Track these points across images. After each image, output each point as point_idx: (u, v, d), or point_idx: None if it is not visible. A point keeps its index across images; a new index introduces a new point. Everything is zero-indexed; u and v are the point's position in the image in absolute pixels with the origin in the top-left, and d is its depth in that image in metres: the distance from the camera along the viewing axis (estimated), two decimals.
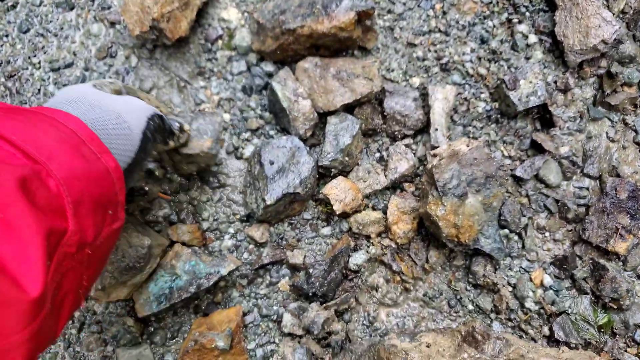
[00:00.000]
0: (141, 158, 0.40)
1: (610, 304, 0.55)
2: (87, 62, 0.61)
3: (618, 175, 0.60)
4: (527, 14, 0.64)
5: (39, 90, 0.61)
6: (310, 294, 0.52)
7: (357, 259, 0.54)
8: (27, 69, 0.61)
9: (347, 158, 0.56)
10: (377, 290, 0.55)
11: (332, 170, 0.56)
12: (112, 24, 0.63)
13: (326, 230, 0.56)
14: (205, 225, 0.56)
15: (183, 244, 0.54)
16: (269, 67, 0.60)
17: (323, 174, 0.57)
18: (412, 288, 0.55)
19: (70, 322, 0.57)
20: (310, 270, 0.53)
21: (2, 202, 0.25)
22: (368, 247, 0.55)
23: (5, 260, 0.24)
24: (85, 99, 0.38)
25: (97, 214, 0.31)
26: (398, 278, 0.55)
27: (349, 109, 0.58)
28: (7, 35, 0.62)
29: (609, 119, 0.63)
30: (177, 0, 0.57)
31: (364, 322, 0.53)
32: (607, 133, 0.62)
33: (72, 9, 0.63)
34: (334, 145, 0.55)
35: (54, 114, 0.33)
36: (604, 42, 0.60)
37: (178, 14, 0.57)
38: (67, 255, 0.28)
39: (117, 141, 0.37)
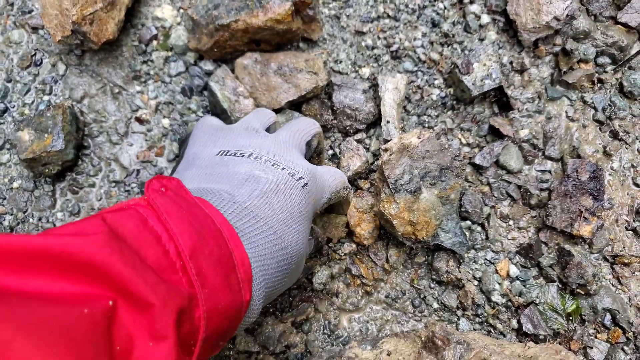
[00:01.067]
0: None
1: (577, 290, 0.53)
2: (9, 73, 0.56)
3: (579, 156, 0.59)
4: None
5: None
6: (263, 309, 0.49)
7: (320, 277, 0.51)
8: None
9: None
10: (337, 296, 0.52)
11: None
12: (35, 30, 0.58)
13: None
14: None
15: None
16: (208, 66, 0.56)
17: None
18: (373, 290, 0.52)
19: None
20: None
21: (158, 332, 0.23)
22: (329, 255, 0.52)
23: None
24: (266, 190, 0.34)
25: (212, 349, 0.29)
26: (358, 281, 0.52)
27: (295, 105, 0.55)
28: None
29: (568, 98, 0.61)
30: (100, 1, 0.52)
31: (325, 331, 0.51)
32: (566, 112, 0.60)
33: None
34: None
35: (222, 224, 0.30)
36: (556, 18, 0.58)
37: (103, 15, 0.53)
38: None
39: (272, 271, 0.33)
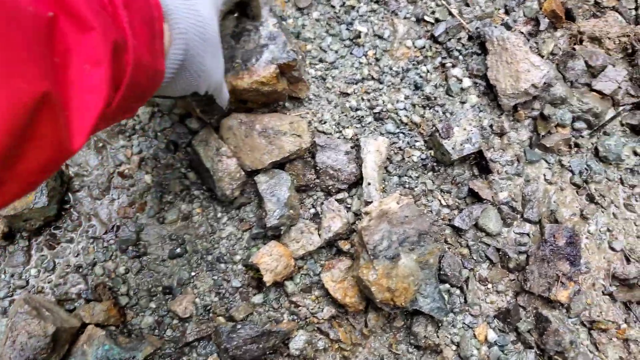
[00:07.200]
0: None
1: (555, 357, 0.53)
2: None
3: (556, 220, 0.60)
4: (460, 57, 0.64)
5: None
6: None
7: (297, 342, 0.50)
8: None
9: (291, 211, 0.53)
10: None
11: (282, 228, 0.53)
12: None
13: (257, 299, 0.52)
14: (123, 300, 0.52)
15: (97, 324, 0.49)
16: (193, 124, 0.57)
17: (262, 236, 0.54)
18: (351, 356, 0.52)
19: None
20: (238, 326, 0.49)
21: (95, 57, 0.26)
22: (307, 319, 0.52)
23: None
24: None
25: (128, 108, 0.32)
26: (336, 346, 0.52)
27: (279, 165, 0.56)
28: None
29: (546, 161, 0.62)
30: None
31: None
32: (544, 175, 0.62)
33: None
34: (274, 202, 0.52)
35: None
36: (534, 86, 0.60)
37: None
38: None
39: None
